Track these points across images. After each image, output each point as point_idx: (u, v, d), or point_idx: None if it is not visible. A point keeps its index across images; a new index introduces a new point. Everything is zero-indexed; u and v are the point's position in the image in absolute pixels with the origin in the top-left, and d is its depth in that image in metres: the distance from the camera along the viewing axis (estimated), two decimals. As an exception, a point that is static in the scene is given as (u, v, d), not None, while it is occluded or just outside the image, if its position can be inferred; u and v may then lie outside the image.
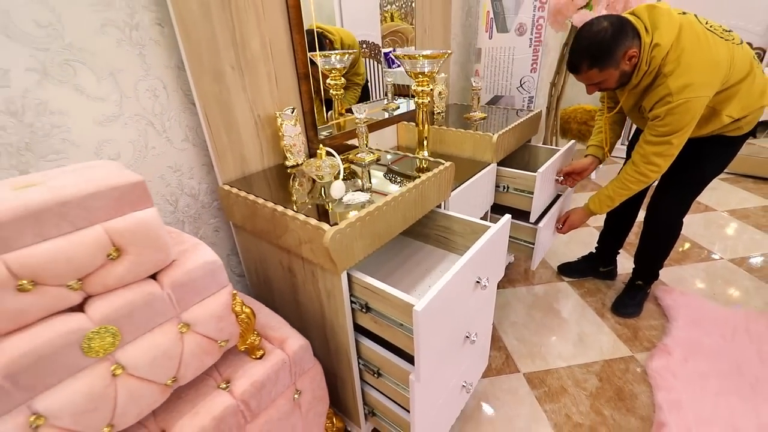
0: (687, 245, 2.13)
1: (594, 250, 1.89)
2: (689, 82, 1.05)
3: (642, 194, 1.55)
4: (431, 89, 1.25)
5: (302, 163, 1.15)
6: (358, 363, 0.99)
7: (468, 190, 1.25)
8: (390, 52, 1.49)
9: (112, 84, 0.86)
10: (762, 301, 1.71)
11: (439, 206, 1.16)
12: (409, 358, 0.89)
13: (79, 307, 0.58)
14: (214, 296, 0.71)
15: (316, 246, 0.81)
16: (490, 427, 1.22)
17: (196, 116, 1.02)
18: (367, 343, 0.95)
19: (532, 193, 1.32)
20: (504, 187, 1.41)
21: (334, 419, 1.03)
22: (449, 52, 1.22)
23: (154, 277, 0.65)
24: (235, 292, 0.75)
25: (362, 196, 0.89)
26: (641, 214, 1.64)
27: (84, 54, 0.81)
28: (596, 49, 1.06)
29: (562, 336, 1.56)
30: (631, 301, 1.66)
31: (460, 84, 2.38)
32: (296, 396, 0.85)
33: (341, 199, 0.89)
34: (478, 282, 0.91)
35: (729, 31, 1.16)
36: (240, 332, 0.76)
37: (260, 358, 0.81)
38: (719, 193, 2.72)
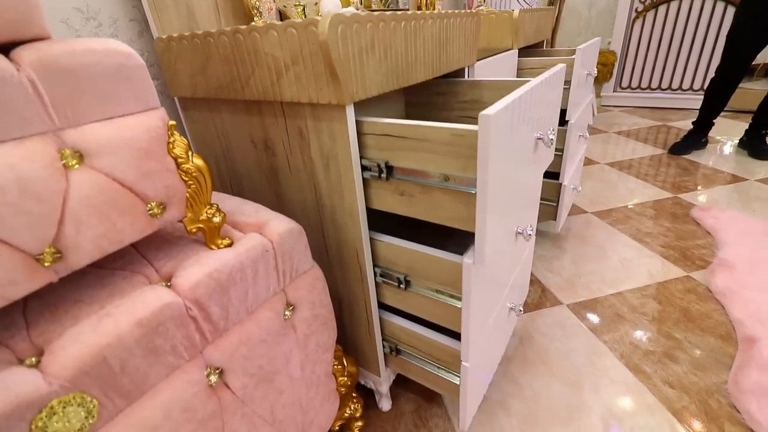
0: (710, 171, 1.95)
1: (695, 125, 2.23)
2: None
3: None
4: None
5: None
6: (374, 271, 0.69)
7: (493, 65, 0.97)
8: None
9: None
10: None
11: (462, 75, 0.88)
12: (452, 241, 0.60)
13: None
14: (132, 116, 0.40)
15: (307, 60, 0.51)
16: (544, 368, 0.95)
17: (110, -65, 0.70)
18: (385, 239, 0.65)
19: (561, 150, 1.04)
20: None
21: (345, 360, 0.72)
22: None
23: (5, 52, 0.33)
24: (172, 123, 0.44)
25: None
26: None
27: None
28: None
29: (601, 264, 1.32)
30: (765, 146, 2.03)
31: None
32: (288, 313, 0.55)
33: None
34: (540, 139, 0.64)
35: None
36: (187, 195, 0.46)
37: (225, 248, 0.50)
38: (723, 127, 2.57)
